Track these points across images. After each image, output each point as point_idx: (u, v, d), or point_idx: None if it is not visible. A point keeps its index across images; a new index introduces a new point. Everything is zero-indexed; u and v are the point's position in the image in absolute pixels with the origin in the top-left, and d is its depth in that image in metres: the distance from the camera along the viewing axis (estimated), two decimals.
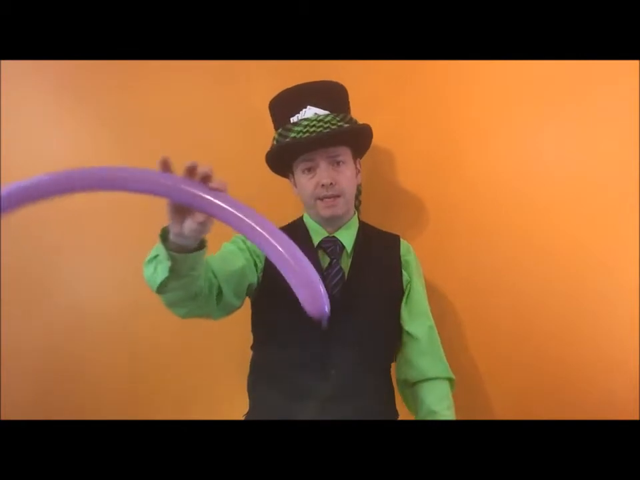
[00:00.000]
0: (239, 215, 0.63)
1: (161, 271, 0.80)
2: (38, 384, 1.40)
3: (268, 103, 1.13)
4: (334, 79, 1.10)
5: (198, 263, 0.81)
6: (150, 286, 0.85)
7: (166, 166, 0.66)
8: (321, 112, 1.05)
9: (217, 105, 1.39)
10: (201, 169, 0.65)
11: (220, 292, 0.95)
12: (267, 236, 0.61)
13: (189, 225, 0.70)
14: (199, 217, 0.69)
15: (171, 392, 1.40)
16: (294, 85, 1.09)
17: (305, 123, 1.03)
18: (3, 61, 1.37)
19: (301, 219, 1.15)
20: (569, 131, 1.22)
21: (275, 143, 1.09)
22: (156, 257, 0.82)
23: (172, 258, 0.77)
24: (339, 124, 1.04)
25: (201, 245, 0.79)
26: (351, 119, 1.09)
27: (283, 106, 1.09)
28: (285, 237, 0.62)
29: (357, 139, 1.11)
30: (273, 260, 0.62)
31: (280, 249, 0.61)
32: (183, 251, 0.77)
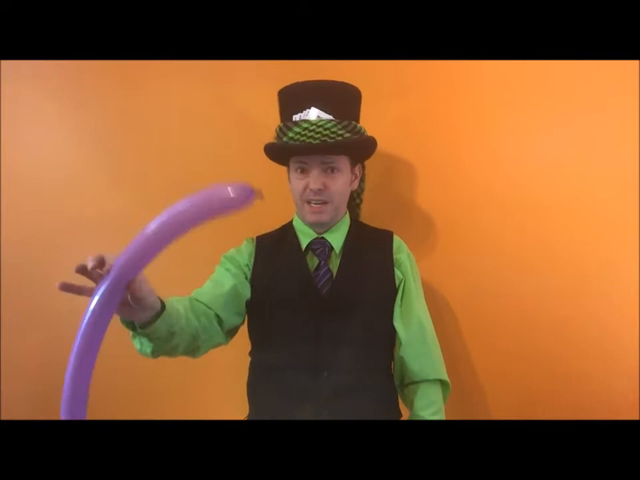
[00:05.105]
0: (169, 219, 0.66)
1: (146, 344, 0.85)
2: (38, 384, 1.40)
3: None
4: (334, 79, 1.08)
5: (171, 320, 0.83)
6: (146, 356, 0.88)
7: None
8: (324, 116, 1.01)
9: (215, 105, 1.39)
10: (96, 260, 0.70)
11: (219, 319, 0.99)
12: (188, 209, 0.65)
13: (137, 310, 0.74)
14: (131, 299, 0.72)
15: (172, 394, 1.40)
16: (302, 80, 1.06)
17: (305, 125, 1.00)
18: (2, 61, 1.37)
19: (291, 222, 1.15)
20: (570, 131, 1.22)
21: (275, 135, 1.07)
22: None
23: (145, 335, 0.81)
24: (339, 133, 1.01)
25: (162, 307, 0.80)
26: (355, 126, 1.04)
27: (289, 100, 1.06)
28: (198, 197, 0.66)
29: (358, 150, 1.08)
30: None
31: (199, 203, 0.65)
32: (150, 323, 0.79)
